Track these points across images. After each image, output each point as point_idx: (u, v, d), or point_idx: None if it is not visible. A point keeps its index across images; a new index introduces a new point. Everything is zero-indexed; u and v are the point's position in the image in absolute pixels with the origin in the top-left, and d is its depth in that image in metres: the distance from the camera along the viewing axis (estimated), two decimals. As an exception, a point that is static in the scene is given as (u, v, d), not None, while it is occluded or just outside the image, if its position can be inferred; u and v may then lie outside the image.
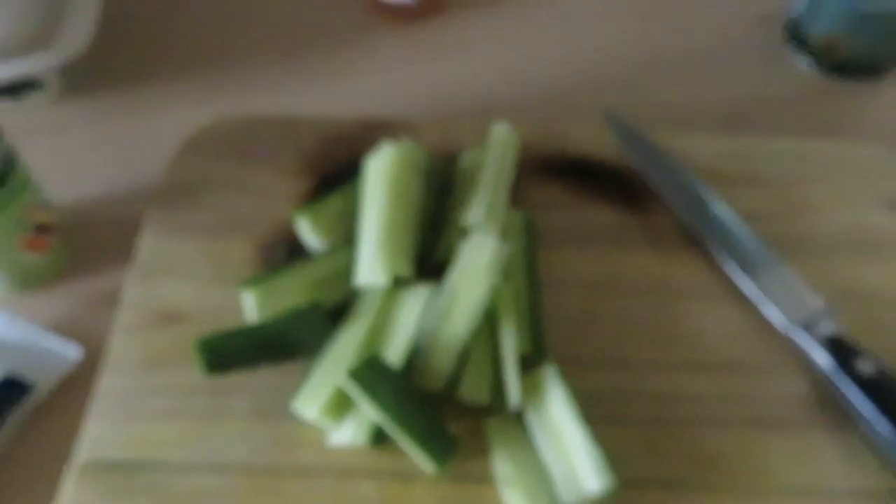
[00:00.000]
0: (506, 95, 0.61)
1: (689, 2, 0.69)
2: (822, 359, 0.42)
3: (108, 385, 0.42)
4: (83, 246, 0.51)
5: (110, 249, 0.50)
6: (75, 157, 0.56)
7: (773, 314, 0.44)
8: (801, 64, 0.63)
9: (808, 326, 0.43)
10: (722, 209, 0.48)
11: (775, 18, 0.66)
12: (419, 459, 0.38)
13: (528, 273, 0.45)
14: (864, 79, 0.62)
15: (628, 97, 0.60)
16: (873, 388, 0.40)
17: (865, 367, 0.41)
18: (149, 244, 0.47)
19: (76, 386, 0.44)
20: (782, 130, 0.56)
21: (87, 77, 0.61)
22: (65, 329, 0.47)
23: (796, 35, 0.63)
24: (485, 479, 0.39)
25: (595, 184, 0.51)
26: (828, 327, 0.43)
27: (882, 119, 0.61)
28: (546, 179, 0.51)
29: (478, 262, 0.40)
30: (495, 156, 0.47)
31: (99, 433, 0.40)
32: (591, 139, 0.53)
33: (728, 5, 0.68)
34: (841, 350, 0.41)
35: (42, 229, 0.46)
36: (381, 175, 0.44)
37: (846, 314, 0.44)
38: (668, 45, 0.65)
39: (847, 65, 0.61)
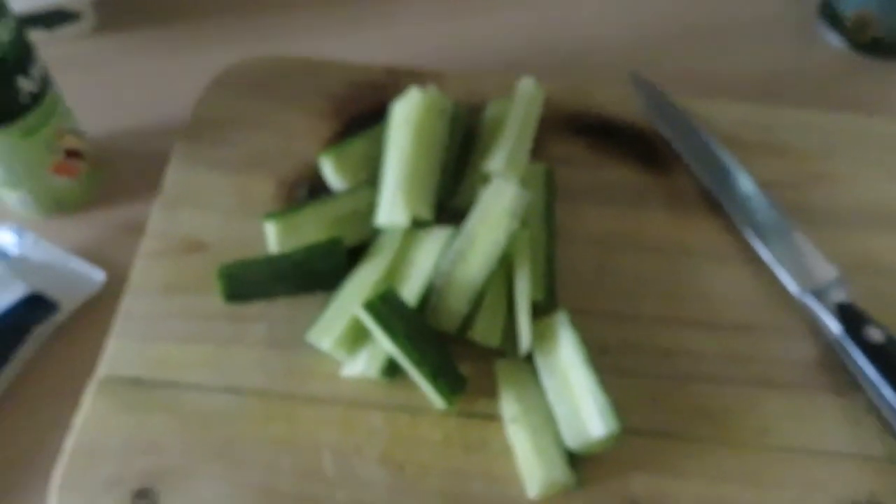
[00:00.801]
0: (534, 54, 0.61)
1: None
2: (831, 324, 0.42)
3: (130, 307, 0.43)
4: (112, 176, 0.52)
5: (138, 180, 0.51)
6: (107, 91, 0.57)
7: (786, 279, 0.45)
8: (833, 41, 0.63)
9: (819, 293, 0.43)
10: (742, 175, 0.48)
11: (811, -6, 0.66)
12: (429, 394, 0.39)
13: (546, 224, 0.45)
14: (894, 58, 0.62)
15: (657, 63, 0.60)
16: (880, 354, 0.41)
17: (873, 334, 0.41)
18: (175, 176, 0.48)
19: (99, 308, 0.45)
20: (808, 103, 0.56)
21: (121, 13, 0.61)
22: (91, 254, 0.48)
23: (829, 12, 0.62)
24: (491, 417, 0.40)
25: (617, 143, 0.51)
26: (839, 295, 0.43)
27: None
28: (569, 136, 0.51)
29: (497, 207, 0.41)
30: (520, 108, 0.47)
31: (119, 351, 0.41)
32: (616, 100, 0.53)
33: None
34: (850, 317, 0.42)
35: (72, 154, 0.47)
36: (406, 119, 0.45)
37: (858, 284, 0.44)
38: (701, 15, 0.65)
39: (877, 43, 0.60)
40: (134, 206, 0.50)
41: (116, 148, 0.53)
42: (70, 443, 0.38)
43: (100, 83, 0.57)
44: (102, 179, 0.51)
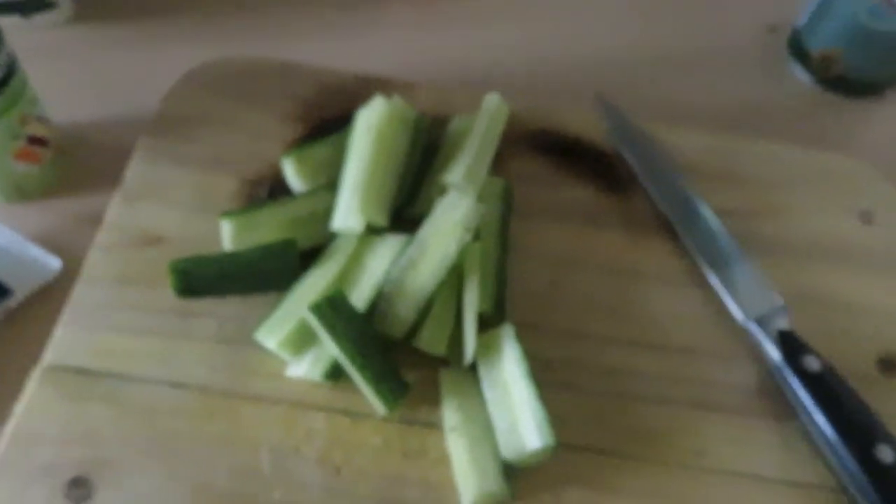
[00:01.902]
0: (505, 70, 0.62)
1: (702, 5, 0.69)
2: (772, 351, 0.43)
3: (81, 296, 0.43)
4: (76, 165, 0.52)
5: (102, 171, 0.51)
6: (78, 81, 0.57)
7: (732, 306, 0.45)
8: (802, 76, 0.64)
9: (762, 321, 0.44)
10: (698, 202, 0.49)
11: (784, 29, 0.67)
12: (370, 399, 0.40)
13: (500, 238, 0.46)
14: (862, 96, 0.63)
15: (625, 86, 0.60)
16: (815, 383, 0.41)
17: (811, 363, 0.42)
18: (138, 169, 0.48)
19: (53, 297, 0.45)
20: (774, 136, 0.57)
21: (99, 4, 0.62)
22: (49, 242, 0.48)
23: (797, 47, 0.64)
24: (432, 425, 0.40)
25: (578, 163, 0.52)
26: (781, 323, 0.44)
27: (872, 137, 0.62)
28: (531, 154, 0.52)
29: (451, 218, 0.42)
30: (483, 123, 0.48)
31: (66, 340, 0.41)
32: (580, 120, 0.54)
33: (740, 12, 0.69)
34: (790, 345, 0.43)
35: (35, 141, 0.48)
36: (368, 126, 0.45)
37: (804, 314, 0.45)
38: (673, 44, 0.66)
39: (843, 81, 0.62)
40: (96, 197, 0.50)
41: (82, 137, 0.53)
42: (8, 428, 0.38)
43: (72, 72, 0.57)
44: (66, 168, 0.51)
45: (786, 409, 0.43)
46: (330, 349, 0.39)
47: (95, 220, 0.47)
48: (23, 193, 0.49)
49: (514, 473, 0.39)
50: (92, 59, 0.59)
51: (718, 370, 0.44)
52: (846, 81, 0.62)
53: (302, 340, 0.41)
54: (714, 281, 0.46)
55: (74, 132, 0.53)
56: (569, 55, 0.64)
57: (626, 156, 0.52)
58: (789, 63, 0.65)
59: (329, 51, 0.61)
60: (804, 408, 0.41)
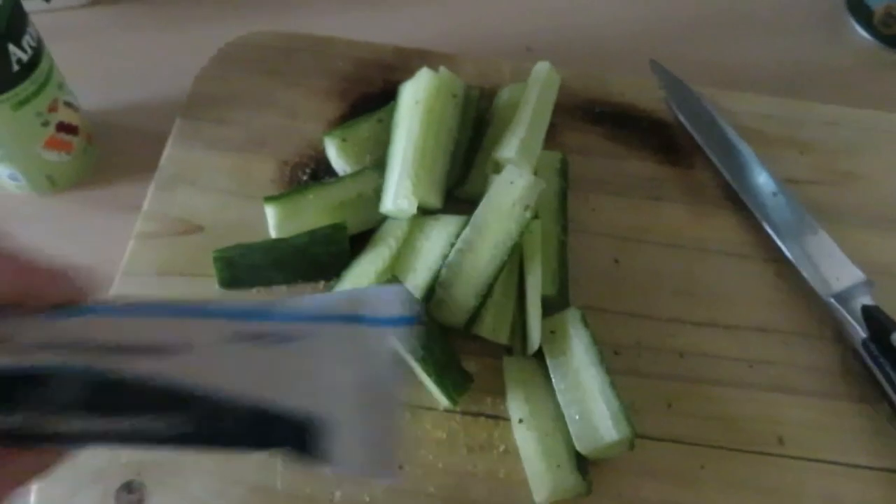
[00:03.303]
0: (550, 39, 0.59)
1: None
2: (856, 329, 0.40)
3: (121, 289, 0.41)
4: (107, 153, 0.50)
5: (134, 158, 0.49)
6: (103, 65, 0.55)
7: (811, 281, 0.43)
8: (862, 34, 0.61)
9: (843, 297, 0.41)
10: (764, 171, 0.46)
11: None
12: (432, 391, 0.37)
13: (559, 215, 0.43)
14: (923, 54, 0.59)
15: (678, 52, 0.57)
16: (907, 363, 0.39)
17: (901, 341, 0.39)
18: (173, 155, 0.46)
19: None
20: (834, 98, 0.54)
21: (121, -17, 0.59)
22: (82, 233, 0.46)
23: (856, 4, 0.60)
24: (497, 417, 0.38)
25: (635, 133, 0.49)
26: (864, 299, 0.41)
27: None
28: (585, 124, 0.49)
29: (509, 196, 0.39)
30: (535, 94, 0.45)
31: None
32: (635, 88, 0.51)
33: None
34: (876, 322, 0.40)
35: (65, 128, 0.45)
36: (415, 101, 0.43)
37: (883, 288, 0.42)
38: (727, 6, 0.62)
39: (907, 37, 0.58)
40: (130, 185, 0.48)
41: (112, 124, 0.51)
42: (54, 431, 0.36)
43: (96, 56, 0.55)
44: (97, 156, 0.49)
45: (873, 391, 0.40)
46: (388, 340, 0.37)
47: (131, 209, 0.45)
48: (55, 184, 0.47)
49: (588, 466, 0.36)
50: (117, 40, 0.56)
51: (797, 350, 0.42)
52: (910, 38, 0.58)
53: (357, 331, 0.38)
54: (789, 255, 0.44)
55: (103, 118, 0.51)
56: (617, 20, 0.60)
57: (685, 124, 0.49)
58: (848, 21, 0.61)
59: (360, 23, 0.58)
60: (894, 388, 0.39)
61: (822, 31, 0.62)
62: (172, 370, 0.23)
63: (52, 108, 0.44)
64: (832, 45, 0.61)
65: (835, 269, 0.42)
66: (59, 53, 0.45)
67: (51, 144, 0.45)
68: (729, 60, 0.59)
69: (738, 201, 0.46)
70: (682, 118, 0.49)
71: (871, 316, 0.40)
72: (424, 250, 0.40)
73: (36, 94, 0.42)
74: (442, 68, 0.44)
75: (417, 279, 0.39)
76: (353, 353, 0.25)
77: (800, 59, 0.60)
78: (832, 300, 0.41)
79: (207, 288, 0.40)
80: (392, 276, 0.38)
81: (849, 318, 0.41)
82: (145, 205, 0.44)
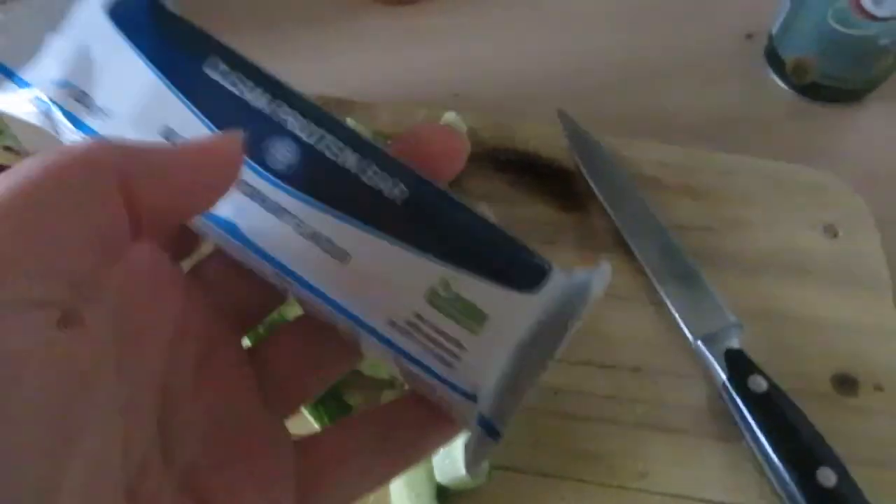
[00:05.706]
0: (474, 86, 0.62)
1: (678, 14, 0.69)
2: (719, 371, 0.43)
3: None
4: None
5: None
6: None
7: (682, 324, 0.45)
8: (779, 84, 0.63)
9: (711, 339, 0.44)
10: (656, 218, 0.49)
11: (761, 36, 0.66)
12: (310, 420, 0.40)
13: (448, 258, 0.46)
14: (840, 104, 0.62)
15: (596, 100, 0.60)
16: (761, 403, 0.41)
17: (757, 383, 0.41)
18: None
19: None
20: (753, 148, 0.56)
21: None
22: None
23: (773, 54, 0.63)
24: (371, 447, 0.41)
25: (536, 180, 0.52)
26: (731, 342, 0.43)
27: (849, 146, 0.61)
28: (490, 171, 0.52)
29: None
30: (436, 143, 0.48)
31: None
32: (541, 136, 0.54)
33: (718, 20, 0.68)
34: (737, 365, 0.42)
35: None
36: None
37: (759, 331, 0.45)
38: (648, 55, 0.65)
39: (819, 88, 0.61)
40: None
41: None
42: None
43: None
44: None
45: (733, 430, 0.42)
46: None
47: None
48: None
49: (450, 497, 0.39)
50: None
51: (667, 389, 0.44)
52: (821, 88, 0.61)
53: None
54: (665, 298, 0.46)
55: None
56: (539, 70, 0.64)
57: (584, 172, 0.52)
58: (767, 71, 0.64)
59: (290, 71, 0.62)
60: (749, 429, 0.41)
61: (744, 81, 0.64)
62: None
63: None
64: (754, 95, 0.64)
65: (706, 313, 0.45)
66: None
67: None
68: (651, 109, 0.61)
69: (627, 246, 0.49)
70: (581, 166, 0.52)
71: (732, 359, 0.43)
72: (316, 289, 0.43)
73: (-29, 139, 0.46)
74: (349, 117, 0.48)
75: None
76: None
77: (722, 107, 0.62)
78: (699, 343, 0.44)
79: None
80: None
81: (712, 360, 0.43)
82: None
